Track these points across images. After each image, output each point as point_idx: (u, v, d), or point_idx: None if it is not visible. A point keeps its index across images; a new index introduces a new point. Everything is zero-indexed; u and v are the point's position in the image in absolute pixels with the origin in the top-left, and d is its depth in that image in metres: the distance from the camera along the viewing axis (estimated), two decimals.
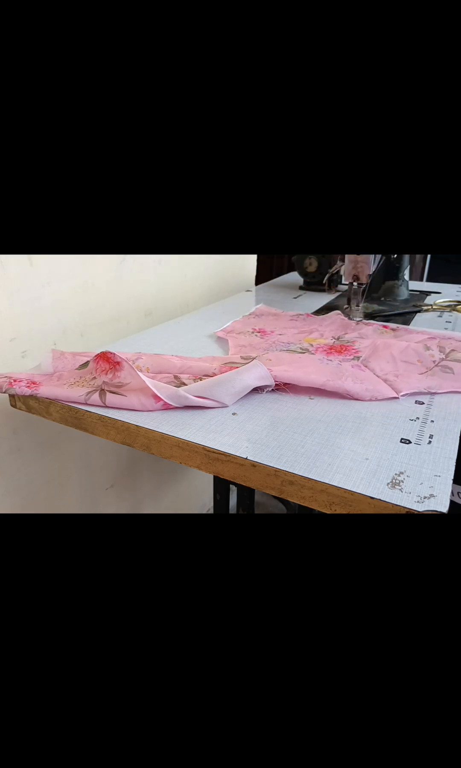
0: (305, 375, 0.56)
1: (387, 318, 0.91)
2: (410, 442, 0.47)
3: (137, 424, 0.50)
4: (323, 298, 1.08)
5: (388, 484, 0.40)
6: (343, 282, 0.94)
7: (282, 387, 0.56)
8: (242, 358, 0.65)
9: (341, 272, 0.87)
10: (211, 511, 1.29)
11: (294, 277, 1.24)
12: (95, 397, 0.53)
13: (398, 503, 0.38)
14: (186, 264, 1.09)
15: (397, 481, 0.40)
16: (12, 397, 0.59)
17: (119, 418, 0.51)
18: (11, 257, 0.69)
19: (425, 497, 0.38)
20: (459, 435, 0.48)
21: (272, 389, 0.57)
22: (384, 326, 0.83)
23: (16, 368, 0.73)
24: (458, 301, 1.00)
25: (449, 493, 0.39)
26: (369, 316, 0.91)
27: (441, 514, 0.36)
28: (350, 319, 0.85)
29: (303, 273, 1.15)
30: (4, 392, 0.57)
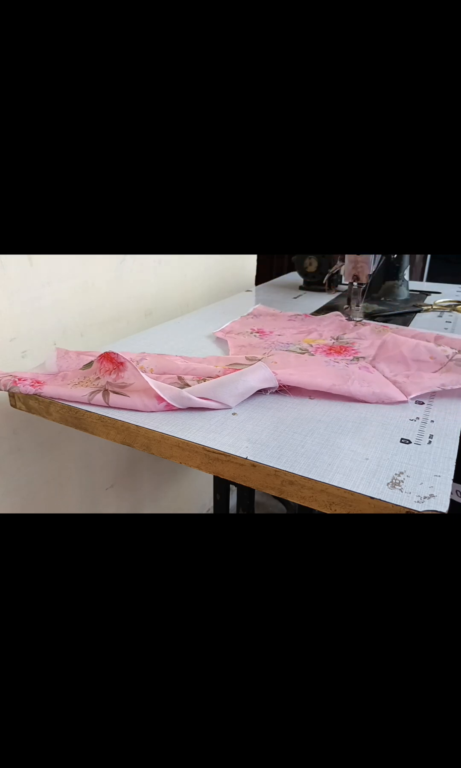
0: (311, 378, 0.56)
1: (387, 318, 0.91)
2: (410, 442, 0.47)
3: (137, 424, 0.50)
4: (323, 298, 1.08)
5: (388, 484, 0.40)
6: (343, 282, 0.94)
7: (285, 388, 0.56)
8: (246, 359, 0.65)
9: (341, 272, 0.87)
10: (211, 511, 1.29)
11: (294, 277, 1.24)
12: (98, 397, 0.53)
13: (398, 503, 0.38)
14: (186, 264, 1.09)
15: (397, 481, 0.40)
16: (12, 397, 0.59)
17: (119, 418, 0.51)
18: (11, 257, 0.69)
19: (425, 497, 0.38)
20: (459, 435, 0.48)
21: (275, 390, 0.56)
22: (384, 326, 0.83)
23: (16, 368, 0.73)
24: (458, 301, 1.00)
25: (449, 493, 0.39)
26: (369, 316, 0.91)
27: (441, 514, 0.36)
28: (349, 319, 0.85)
29: (303, 273, 1.15)
30: (8, 390, 0.57)
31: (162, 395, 0.51)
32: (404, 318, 0.92)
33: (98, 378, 0.56)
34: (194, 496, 1.36)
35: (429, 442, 0.47)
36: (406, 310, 0.96)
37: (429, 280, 2.09)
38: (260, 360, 0.62)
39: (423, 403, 0.55)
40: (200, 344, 0.75)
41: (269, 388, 0.56)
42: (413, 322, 0.89)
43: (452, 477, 0.41)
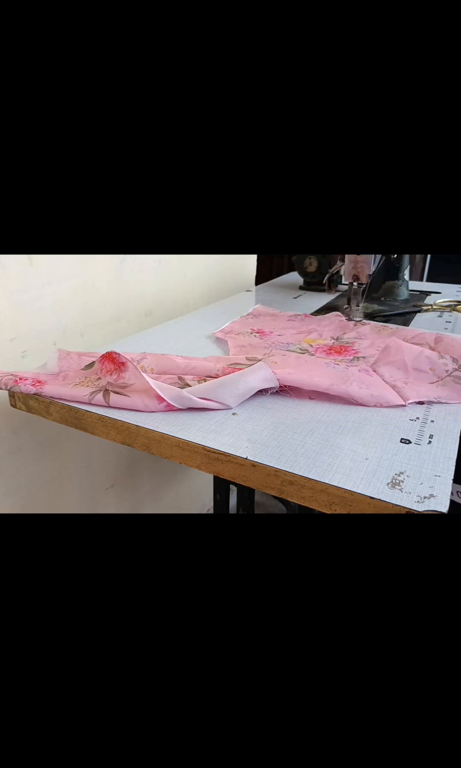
0: (310, 378, 0.55)
1: (387, 318, 0.91)
2: (410, 442, 0.47)
3: (137, 424, 0.50)
4: (323, 298, 1.08)
5: (388, 484, 0.40)
6: (343, 282, 0.94)
7: (285, 389, 0.56)
8: (247, 359, 0.64)
9: (341, 272, 0.87)
10: (211, 511, 1.29)
11: (294, 277, 1.24)
12: (99, 397, 0.53)
13: (398, 503, 0.38)
14: (186, 264, 1.09)
15: (397, 481, 0.40)
16: (12, 396, 0.59)
17: (118, 418, 0.51)
18: (11, 257, 0.69)
19: (425, 497, 0.38)
20: (459, 435, 0.48)
21: (276, 391, 0.56)
22: (384, 326, 0.83)
23: (16, 368, 0.73)
24: (458, 301, 1.00)
25: (449, 493, 0.39)
26: (369, 316, 0.91)
27: (441, 514, 0.36)
28: (349, 319, 0.85)
29: (303, 273, 1.15)
30: (9, 390, 0.57)
31: (163, 395, 0.51)
32: (404, 318, 0.92)
33: (99, 378, 0.56)
34: (194, 496, 1.36)
35: (429, 442, 0.47)
36: (406, 310, 0.96)
37: (429, 280, 2.09)
38: (260, 360, 0.62)
39: (423, 403, 0.55)
40: (200, 344, 0.75)
41: (270, 388, 0.56)
42: (413, 322, 0.89)
43: (452, 477, 0.41)
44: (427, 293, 1.12)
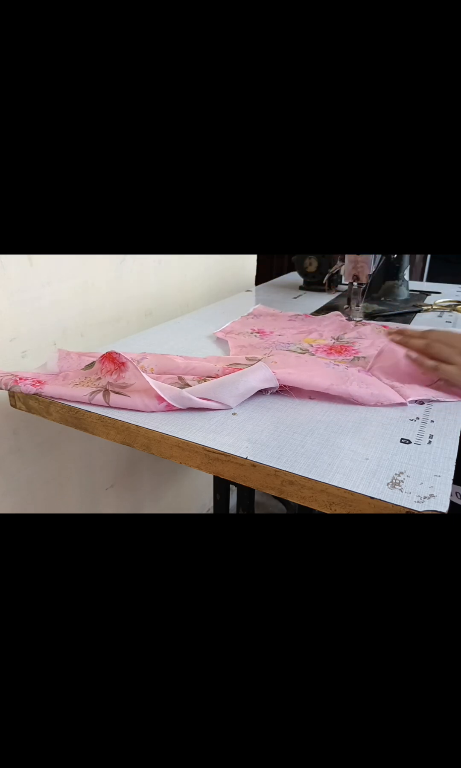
0: (309, 378, 0.55)
1: (387, 318, 0.91)
2: (410, 442, 0.47)
3: (137, 424, 0.50)
4: (323, 298, 1.08)
5: (388, 484, 0.40)
6: (343, 282, 0.94)
7: (285, 388, 0.56)
8: (246, 359, 0.64)
9: (341, 272, 0.87)
10: (211, 511, 1.29)
11: (294, 277, 1.24)
12: (99, 397, 0.53)
13: (398, 503, 0.38)
14: (186, 264, 1.09)
15: (397, 481, 0.40)
16: (12, 397, 0.59)
17: (118, 418, 0.51)
18: (11, 257, 0.69)
19: (425, 497, 0.38)
20: (459, 435, 0.48)
21: (276, 391, 0.56)
22: (383, 326, 0.83)
23: (16, 368, 0.73)
24: (458, 301, 1.00)
25: (449, 493, 0.39)
26: (369, 316, 0.91)
27: (441, 514, 0.36)
28: (350, 319, 0.85)
29: (303, 273, 1.15)
30: (9, 389, 0.57)
31: (163, 395, 0.51)
32: (404, 318, 0.92)
33: (99, 378, 0.56)
34: (194, 496, 1.36)
35: (429, 442, 0.47)
36: (406, 310, 0.96)
37: (429, 280, 2.09)
38: (260, 360, 0.62)
39: (423, 403, 0.55)
40: (200, 344, 0.75)
41: (270, 388, 0.56)
42: (413, 322, 0.89)
43: (452, 477, 0.41)
44: (427, 293, 1.12)
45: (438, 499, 0.38)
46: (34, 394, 0.56)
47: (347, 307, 0.89)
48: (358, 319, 0.86)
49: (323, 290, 1.13)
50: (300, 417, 0.51)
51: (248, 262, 1.39)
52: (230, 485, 1.07)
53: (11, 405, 0.60)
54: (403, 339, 0.62)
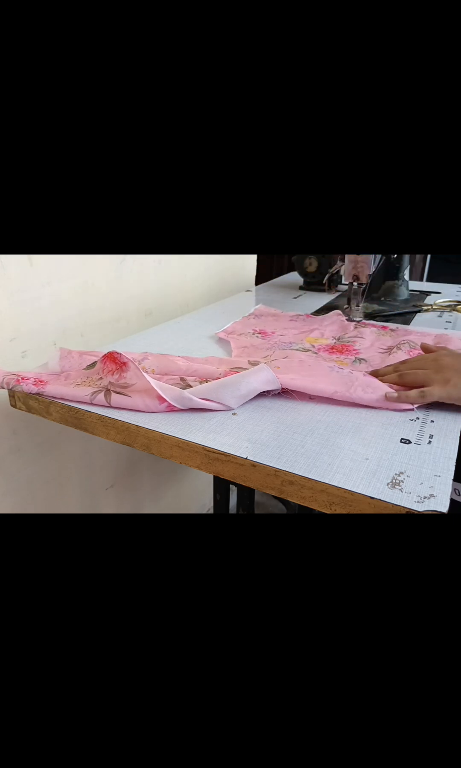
0: (313, 384, 0.55)
1: (387, 318, 0.91)
2: (410, 442, 0.47)
3: (137, 424, 0.50)
4: (323, 298, 1.08)
5: (388, 484, 0.40)
6: (343, 282, 0.94)
7: (289, 391, 0.56)
8: (249, 362, 0.64)
9: (341, 272, 0.87)
10: (211, 511, 1.29)
11: (294, 277, 1.24)
12: (100, 397, 0.53)
13: (398, 503, 0.38)
14: (186, 264, 1.09)
15: (397, 481, 0.40)
16: (12, 397, 0.59)
17: (118, 418, 0.51)
18: (11, 257, 0.69)
19: (425, 497, 0.38)
20: (459, 435, 0.48)
21: (277, 393, 0.56)
22: (384, 327, 0.83)
23: (16, 368, 0.73)
24: (458, 301, 1.00)
25: (449, 493, 0.39)
26: (369, 316, 0.91)
27: (441, 514, 0.36)
28: (350, 319, 0.85)
29: (303, 273, 1.15)
30: (11, 389, 0.57)
31: (164, 396, 0.51)
32: (404, 318, 0.92)
33: (101, 378, 0.56)
34: (194, 496, 1.36)
35: (429, 442, 0.47)
36: (406, 310, 0.96)
37: (429, 280, 2.09)
38: (262, 363, 0.62)
39: (420, 407, 0.55)
40: (201, 344, 0.75)
41: (272, 391, 0.55)
42: (413, 322, 0.89)
43: (452, 477, 0.41)
44: (427, 293, 1.12)
45: (438, 499, 0.38)
46: (36, 393, 0.56)
47: (347, 307, 0.89)
48: (358, 319, 0.86)
49: (323, 290, 1.13)
50: (300, 417, 0.51)
51: (248, 262, 1.39)
52: (230, 485, 1.07)
53: (11, 405, 0.60)
54: (377, 377, 0.60)
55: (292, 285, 1.20)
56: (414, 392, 0.53)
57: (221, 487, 1.05)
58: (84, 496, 0.94)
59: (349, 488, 0.40)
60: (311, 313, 0.93)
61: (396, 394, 0.54)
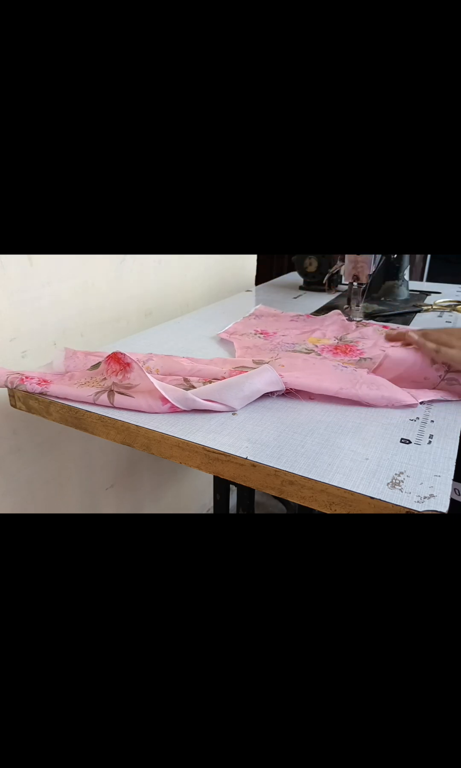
0: (318, 382, 0.55)
1: (387, 318, 0.91)
2: (410, 442, 0.47)
3: (137, 424, 0.50)
4: (323, 298, 1.08)
5: (388, 484, 0.40)
6: (343, 282, 0.94)
7: (292, 391, 0.56)
8: (253, 362, 0.64)
9: (341, 272, 0.87)
10: (211, 511, 1.29)
11: (294, 277, 1.24)
12: (104, 397, 0.53)
13: (398, 503, 0.38)
14: (186, 264, 1.09)
15: (397, 481, 0.40)
16: (12, 397, 0.59)
17: (119, 418, 0.51)
18: (11, 257, 0.69)
19: (425, 497, 0.38)
20: (459, 435, 0.48)
21: (281, 394, 0.56)
22: (384, 326, 0.83)
23: (17, 368, 0.73)
24: (458, 301, 1.00)
25: (449, 493, 0.39)
26: (369, 316, 0.91)
27: (441, 514, 0.36)
28: (350, 319, 0.85)
29: (303, 273, 1.15)
30: (15, 388, 0.57)
31: (167, 397, 0.51)
32: (404, 318, 0.92)
33: (105, 378, 0.56)
34: (194, 496, 1.36)
35: (429, 442, 0.47)
36: (406, 310, 0.96)
37: (429, 280, 2.09)
38: (267, 363, 0.62)
39: (423, 403, 0.55)
40: (201, 344, 0.75)
41: (276, 392, 0.55)
42: (413, 322, 0.89)
43: (452, 477, 0.41)
44: (427, 293, 1.12)
45: (438, 499, 0.38)
46: (40, 393, 0.56)
47: (347, 307, 0.89)
48: (358, 319, 0.86)
49: (323, 290, 1.13)
50: (300, 417, 0.51)
51: (248, 262, 1.39)
52: (230, 485, 1.07)
53: (11, 405, 0.60)
54: (399, 335, 0.64)
55: (292, 285, 1.20)
56: (432, 345, 0.57)
57: (221, 487, 1.05)
58: (84, 496, 0.94)
59: (349, 488, 0.40)
60: (312, 313, 0.93)
61: (394, 332, 0.57)
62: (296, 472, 0.42)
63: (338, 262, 1.08)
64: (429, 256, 2.07)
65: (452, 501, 0.38)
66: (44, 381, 0.57)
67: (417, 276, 2.05)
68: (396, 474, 0.42)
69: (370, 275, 0.84)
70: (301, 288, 1.17)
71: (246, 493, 0.89)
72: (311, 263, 1.13)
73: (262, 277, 1.45)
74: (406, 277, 1.07)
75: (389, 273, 1.06)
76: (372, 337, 0.77)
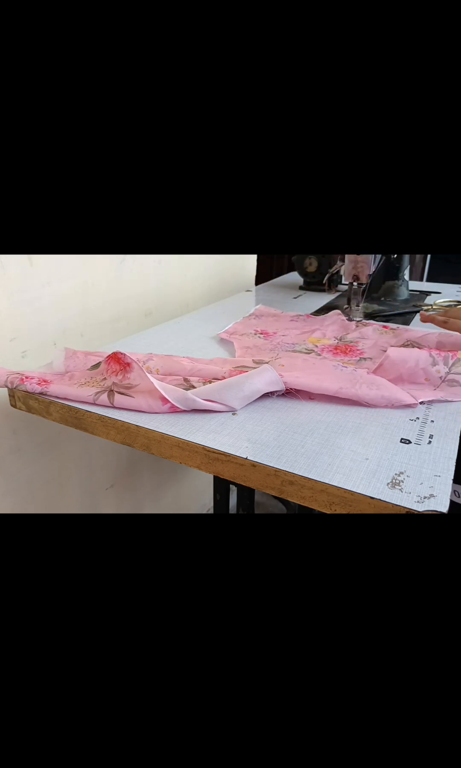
0: (318, 382, 0.55)
1: (387, 318, 0.91)
2: (410, 442, 0.47)
3: (137, 424, 0.50)
4: (323, 298, 1.08)
5: (388, 484, 0.40)
6: (343, 282, 0.94)
7: (292, 391, 0.56)
8: (253, 361, 0.64)
9: (341, 272, 0.87)
10: (211, 511, 1.29)
11: (294, 277, 1.24)
12: (104, 397, 0.53)
13: (398, 503, 0.38)
14: (186, 264, 1.09)
15: (397, 481, 0.40)
16: (12, 397, 0.59)
17: (118, 418, 0.51)
18: (11, 257, 0.69)
19: (425, 497, 0.38)
20: (459, 435, 0.48)
21: (282, 394, 0.56)
22: (384, 326, 0.83)
23: (16, 368, 0.73)
24: (458, 301, 1.00)
25: (449, 493, 0.39)
26: (369, 316, 0.91)
27: (441, 514, 0.36)
28: (350, 319, 0.85)
29: (303, 273, 1.15)
30: (15, 388, 0.57)
31: (167, 397, 0.51)
32: (404, 318, 0.92)
33: (105, 378, 0.56)
34: (194, 496, 1.36)
35: (429, 442, 0.47)
36: (406, 310, 0.96)
37: (429, 280, 2.09)
38: (267, 363, 0.62)
39: (423, 403, 0.55)
40: (201, 344, 0.75)
41: (276, 392, 0.55)
42: (413, 322, 0.89)
43: (452, 477, 0.41)
44: (427, 293, 1.12)
45: (438, 499, 0.38)
46: (40, 393, 0.56)
47: (347, 307, 0.89)
48: (358, 319, 0.86)
49: (323, 290, 1.13)
50: (300, 417, 0.51)
51: (248, 262, 1.39)
52: (230, 485, 1.07)
53: (11, 405, 0.60)
54: (431, 317, 0.73)
55: (292, 285, 1.20)
56: (441, 317, 0.66)
57: (221, 487, 1.05)
58: (84, 496, 0.94)
59: (349, 488, 0.40)
60: (311, 313, 0.93)
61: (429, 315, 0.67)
62: (296, 472, 0.42)
63: (338, 262, 1.08)
64: (429, 256, 2.08)
65: (451, 503, 0.38)
66: (44, 381, 0.57)
67: (417, 276, 2.05)
68: (396, 474, 0.42)
69: (370, 275, 0.84)
70: (301, 288, 1.17)
71: (246, 493, 0.89)
72: (311, 263, 1.13)
73: (262, 277, 1.45)
74: (406, 277, 1.07)
75: (389, 273, 1.06)
76: (371, 337, 0.77)
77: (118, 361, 0.55)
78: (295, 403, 0.55)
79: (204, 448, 0.46)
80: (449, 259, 2.13)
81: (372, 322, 0.86)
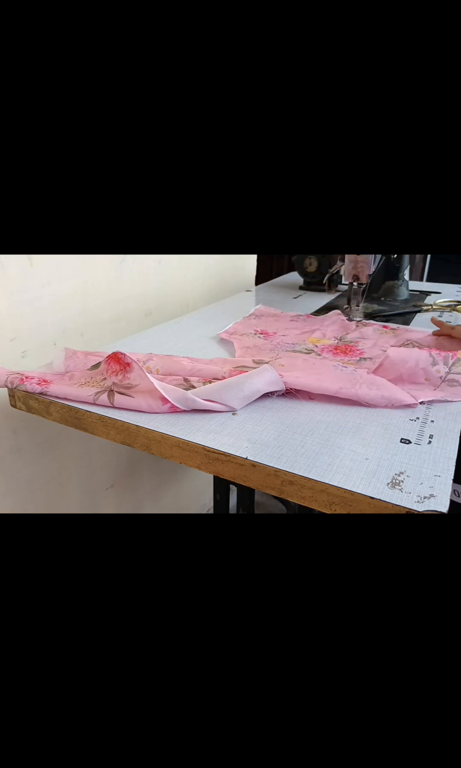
0: (318, 382, 0.55)
1: (387, 318, 0.91)
2: (410, 442, 0.47)
3: (137, 424, 0.50)
4: (323, 298, 1.08)
5: (388, 484, 0.40)
6: (343, 282, 0.94)
7: (292, 391, 0.56)
8: (253, 361, 0.64)
9: (341, 272, 0.87)
10: (211, 511, 1.29)
11: (294, 277, 1.24)
12: (104, 397, 0.53)
13: (398, 503, 0.38)
14: (186, 264, 1.09)
15: (397, 481, 0.40)
16: (12, 397, 0.59)
17: (119, 418, 0.51)
18: (11, 257, 0.69)
19: (425, 497, 0.38)
20: (459, 435, 0.48)
21: (281, 394, 0.56)
22: (384, 326, 0.83)
23: (16, 368, 0.73)
24: (458, 301, 1.00)
25: (449, 493, 0.39)
26: (369, 316, 0.91)
27: (441, 514, 0.36)
28: (350, 319, 0.85)
29: (303, 273, 1.15)
30: (15, 388, 0.57)
31: (167, 397, 0.51)
32: (404, 318, 0.92)
33: (105, 378, 0.56)
34: (194, 496, 1.36)
35: (429, 442, 0.47)
36: (406, 310, 0.96)
37: (429, 280, 2.09)
38: (267, 363, 0.62)
39: (423, 403, 0.55)
40: (201, 344, 0.75)
41: (276, 392, 0.55)
42: (413, 322, 0.89)
43: (452, 477, 0.41)
44: (427, 293, 1.12)
45: (438, 499, 0.38)
46: (40, 393, 0.56)
47: (347, 307, 0.89)
48: (358, 319, 0.86)
49: (323, 290, 1.13)
50: (300, 417, 0.51)
51: (248, 262, 1.39)
52: (230, 485, 1.07)
53: (11, 405, 0.60)
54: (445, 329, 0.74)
55: (292, 285, 1.20)
56: (449, 324, 0.67)
57: (221, 487, 1.05)
58: (84, 496, 0.94)
59: (349, 488, 0.40)
60: (311, 313, 0.93)
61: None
62: (296, 472, 0.42)
63: (338, 262, 1.08)
64: (429, 256, 2.07)
65: (451, 503, 0.38)
66: (44, 381, 0.57)
67: (417, 276, 2.05)
68: (396, 474, 0.42)
69: (370, 275, 0.84)
70: (301, 288, 1.17)
71: (246, 493, 0.89)
72: (311, 263, 1.13)
73: (262, 277, 1.45)
74: (406, 277, 1.07)
75: (389, 273, 1.06)
76: (371, 337, 0.77)
77: (118, 361, 0.55)
78: (295, 403, 0.55)
79: (204, 448, 0.46)
80: (449, 259, 2.13)
81: (372, 322, 0.86)
